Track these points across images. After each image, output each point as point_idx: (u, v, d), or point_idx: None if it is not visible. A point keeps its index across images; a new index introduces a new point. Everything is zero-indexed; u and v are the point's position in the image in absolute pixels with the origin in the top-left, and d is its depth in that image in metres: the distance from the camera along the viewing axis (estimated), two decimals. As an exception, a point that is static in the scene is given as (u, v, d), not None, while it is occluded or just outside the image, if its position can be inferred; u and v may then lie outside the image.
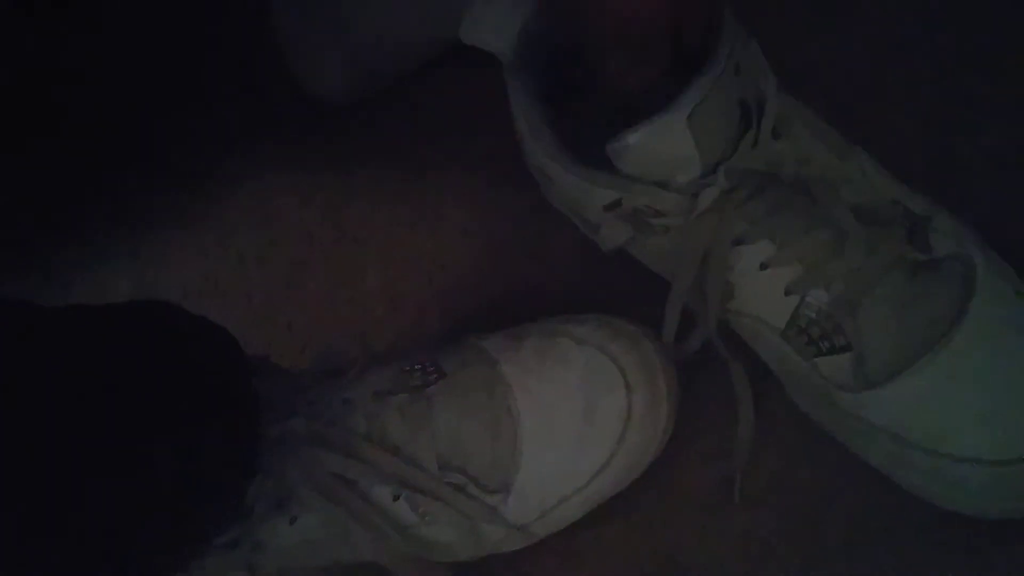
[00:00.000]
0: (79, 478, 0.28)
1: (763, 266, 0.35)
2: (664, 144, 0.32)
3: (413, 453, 0.36)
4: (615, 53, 0.33)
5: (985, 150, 0.42)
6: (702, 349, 0.38)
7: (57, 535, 0.28)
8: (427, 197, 0.49)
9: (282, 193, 0.52)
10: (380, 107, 0.51)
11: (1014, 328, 0.34)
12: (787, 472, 0.39)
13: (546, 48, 0.37)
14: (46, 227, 0.52)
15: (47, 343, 0.29)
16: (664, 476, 0.39)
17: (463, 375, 0.37)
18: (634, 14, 0.31)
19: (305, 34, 0.49)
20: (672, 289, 0.36)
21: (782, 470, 0.39)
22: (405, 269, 0.48)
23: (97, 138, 0.53)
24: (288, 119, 0.52)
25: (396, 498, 0.36)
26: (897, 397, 0.34)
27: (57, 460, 0.27)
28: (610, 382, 0.37)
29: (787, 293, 0.35)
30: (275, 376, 0.36)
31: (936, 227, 0.35)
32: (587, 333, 0.38)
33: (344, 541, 0.36)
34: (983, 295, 0.34)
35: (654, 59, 0.33)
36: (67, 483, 0.28)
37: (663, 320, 0.37)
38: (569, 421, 0.37)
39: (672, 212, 0.34)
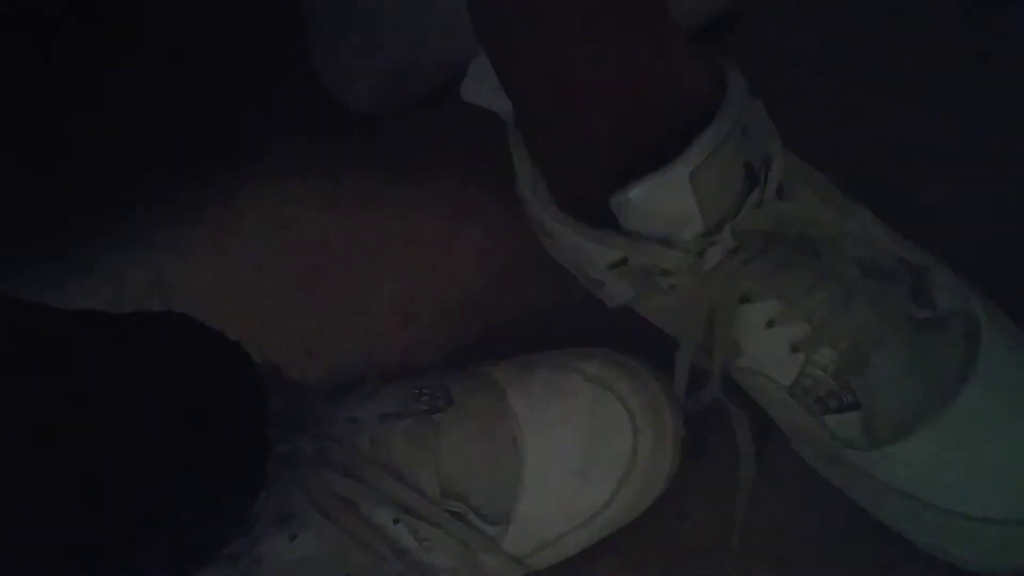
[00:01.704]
0: (86, 486, 0.28)
1: (770, 324, 0.35)
2: (666, 200, 0.32)
3: (416, 478, 0.36)
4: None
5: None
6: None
7: (62, 543, 0.28)
8: (445, 214, 0.49)
9: (301, 198, 0.52)
10: (405, 121, 0.51)
11: (1021, 384, 0.34)
12: (790, 521, 0.39)
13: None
14: (67, 216, 0.53)
15: (60, 348, 0.29)
16: (665, 517, 0.39)
17: (471, 403, 0.37)
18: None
19: (338, 45, 0.49)
20: (679, 348, 0.36)
21: (784, 519, 0.39)
22: (419, 284, 0.48)
23: (124, 131, 0.54)
24: (312, 126, 0.52)
25: (396, 521, 0.36)
26: (908, 455, 0.34)
27: (62, 469, 0.27)
28: (617, 422, 0.37)
29: (793, 351, 0.35)
30: (284, 390, 0.37)
31: (937, 282, 0.36)
32: (596, 370, 0.38)
33: (342, 561, 0.36)
34: (988, 352, 0.34)
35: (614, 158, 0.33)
36: (74, 491, 0.28)
37: (673, 372, 0.36)
38: (573, 457, 0.37)
39: (678, 270, 0.33)
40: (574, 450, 0.37)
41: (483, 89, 0.38)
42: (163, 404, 0.30)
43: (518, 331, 0.46)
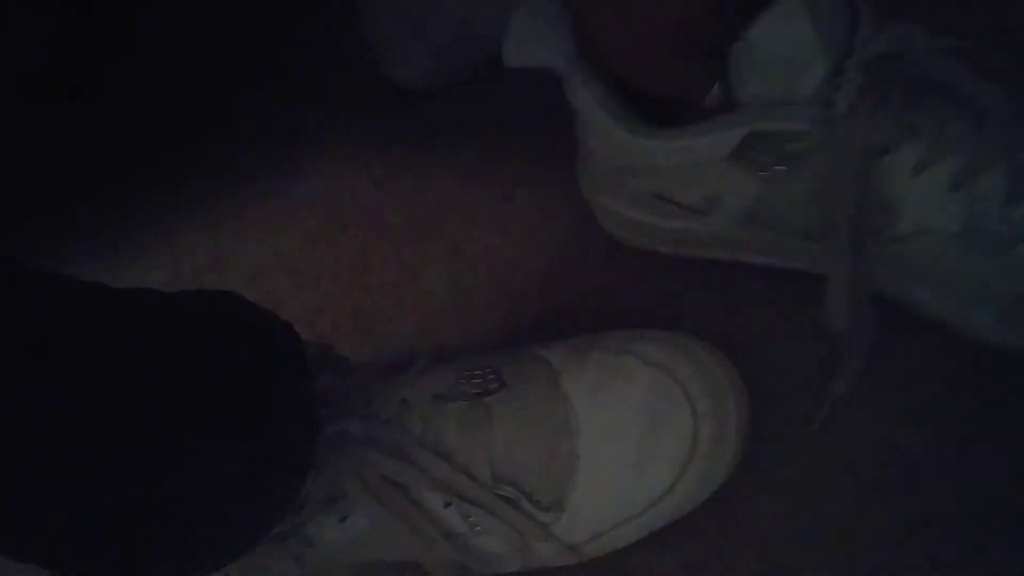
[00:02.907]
0: (136, 469, 0.28)
1: (919, 168, 0.32)
2: (787, 36, 0.29)
3: (467, 462, 0.35)
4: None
5: None
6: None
7: (115, 526, 0.28)
8: (499, 192, 0.48)
9: (355, 175, 0.51)
10: (460, 95, 0.50)
11: None
12: (859, 514, 0.37)
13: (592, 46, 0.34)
14: (128, 194, 0.53)
15: (115, 328, 0.29)
16: (726, 508, 0.38)
17: (524, 387, 0.36)
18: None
19: (390, 21, 0.48)
20: (835, 230, 0.32)
21: (850, 515, 0.37)
22: (473, 263, 0.47)
23: (185, 105, 0.54)
24: (365, 102, 0.51)
25: (447, 505, 0.35)
26: None
27: (113, 452, 0.27)
28: (676, 408, 0.35)
29: (954, 189, 0.32)
30: (336, 368, 0.36)
31: None
32: (655, 353, 0.36)
33: (392, 542, 0.36)
34: None
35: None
36: (124, 473, 0.28)
37: (824, 303, 0.34)
38: (630, 444, 0.35)
39: (808, 130, 0.31)
40: (631, 437, 0.35)
41: (527, 48, 0.36)
42: (211, 385, 0.30)
43: (574, 311, 0.45)
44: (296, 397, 0.32)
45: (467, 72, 0.49)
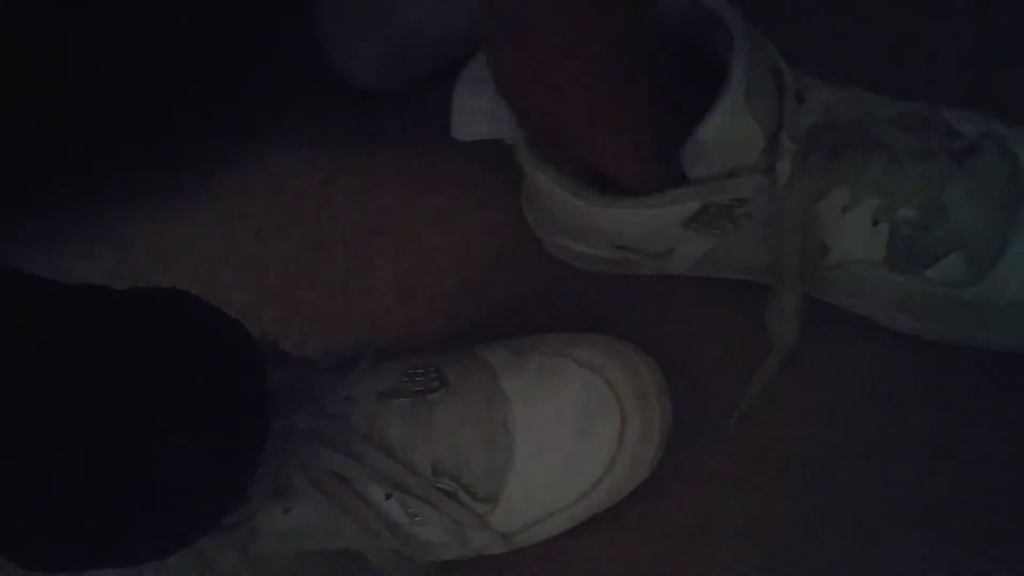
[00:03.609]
0: (88, 460, 0.29)
1: (845, 210, 0.36)
2: (732, 127, 0.33)
3: (409, 456, 0.37)
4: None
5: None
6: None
7: (65, 515, 0.29)
8: (447, 194, 0.50)
9: (306, 171, 0.52)
10: (412, 98, 0.51)
11: None
12: (771, 505, 0.40)
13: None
14: (71, 183, 0.53)
15: (59, 326, 0.29)
16: (650, 499, 0.41)
17: (465, 385, 0.38)
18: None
19: (343, 21, 0.49)
20: (780, 272, 0.37)
21: (768, 504, 0.41)
22: (419, 264, 0.49)
23: (127, 99, 0.54)
24: (317, 101, 0.52)
25: (388, 497, 0.37)
26: (1013, 265, 0.37)
27: (60, 446, 0.28)
28: (606, 408, 0.38)
29: (875, 223, 0.36)
30: (283, 366, 0.37)
31: (949, 116, 0.38)
32: (588, 356, 0.39)
33: (335, 532, 0.38)
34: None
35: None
36: (75, 466, 0.29)
37: (768, 320, 0.38)
38: (562, 441, 0.38)
39: (754, 196, 0.35)
40: (564, 434, 0.38)
41: (474, 123, 0.37)
42: (165, 381, 0.31)
43: (515, 313, 0.47)
44: (249, 392, 0.34)
45: (418, 75, 0.51)
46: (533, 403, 0.38)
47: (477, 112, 0.37)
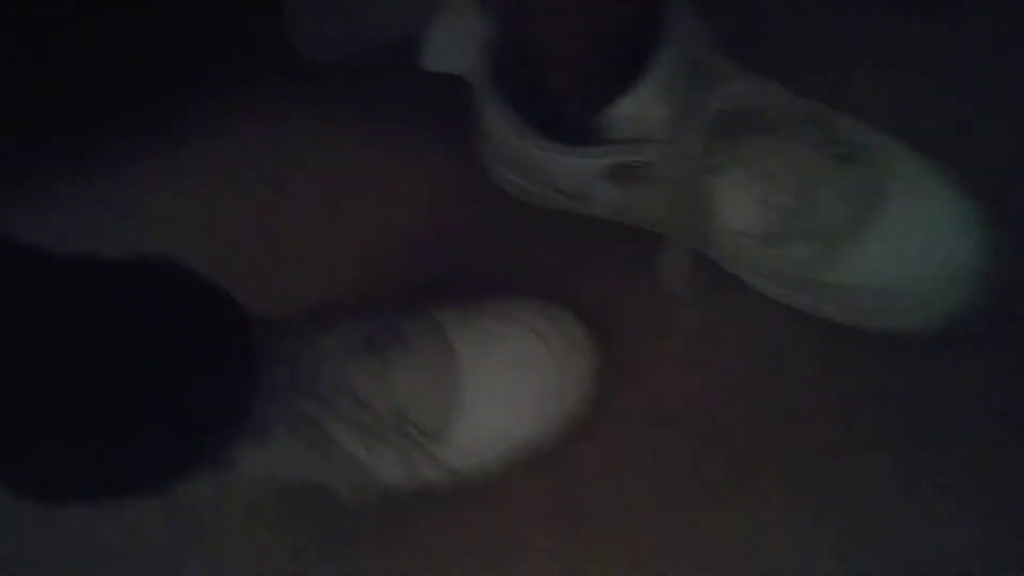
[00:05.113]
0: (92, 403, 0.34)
1: (735, 186, 0.43)
2: (646, 110, 0.40)
3: (372, 403, 0.43)
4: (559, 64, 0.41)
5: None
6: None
7: (73, 459, 0.34)
8: (399, 163, 0.53)
9: (258, 141, 0.54)
10: (369, 72, 0.54)
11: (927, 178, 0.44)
12: (675, 442, 0.47)
13: (502, 63, 0.43)
14: (41, 154, 0.55)
15: (56, 292, 0.32)
16: (581, 443, 0.47)
17: (421, 343, 0.44)
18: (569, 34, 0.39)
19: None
20: (674, 225, 0.44)
21: (670, 441, 0.48)
22: (373, 229, 0.52)
23: (93, 68, 0.55)
24: (270, 71, 0.54)
25: (354, 440, 0.43)
26: (864, 258, 0.43)
27: (64, 401, 0.32)
28: (543, 364, 0.44)
29: (758, 203, 0.43)
30: (263, 327, 0.42)
31: (844, 125, 0.45)
32: (529, 318, 0.45)
33: (305, 468, 0.43)
34: (894, 167, 0.44)
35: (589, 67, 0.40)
36: (78, 414, 0.33)
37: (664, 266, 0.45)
38: (505, 391, 0.44)
39: (661, 161, 0.42)
40: (506, 384, 0.44)
41: (444, 57, 0.43)
42: (163, 343, 0.35)
43: (467, 278, 0.51)
44: (239, 351, 0.39)
45: (380, 50, 0.54)
46: (480, 359, 0.44)
47: (448, 49, 0.43)
